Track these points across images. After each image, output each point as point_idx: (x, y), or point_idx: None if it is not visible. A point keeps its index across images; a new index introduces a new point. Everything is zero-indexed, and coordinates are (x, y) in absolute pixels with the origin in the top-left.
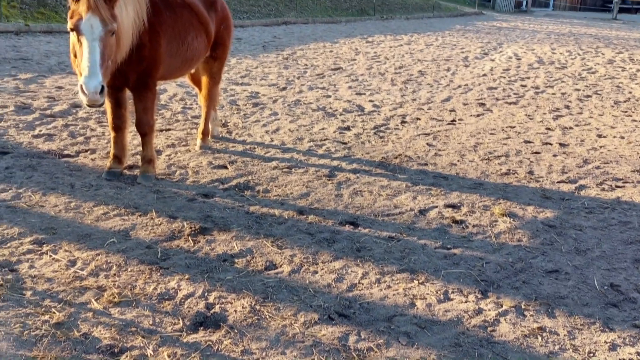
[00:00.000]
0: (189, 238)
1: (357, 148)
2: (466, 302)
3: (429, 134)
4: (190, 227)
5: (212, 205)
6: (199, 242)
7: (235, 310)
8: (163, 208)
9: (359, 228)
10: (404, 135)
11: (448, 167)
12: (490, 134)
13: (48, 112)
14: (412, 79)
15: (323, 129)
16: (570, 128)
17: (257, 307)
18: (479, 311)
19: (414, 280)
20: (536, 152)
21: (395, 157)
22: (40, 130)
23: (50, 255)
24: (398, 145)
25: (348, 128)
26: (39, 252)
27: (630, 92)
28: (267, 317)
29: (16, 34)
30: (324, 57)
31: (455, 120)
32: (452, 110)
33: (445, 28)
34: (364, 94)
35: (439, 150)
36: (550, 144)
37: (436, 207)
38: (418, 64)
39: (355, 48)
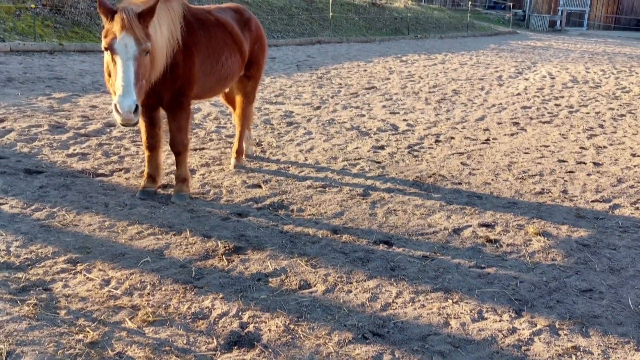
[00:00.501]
0: (223, 257)
1: (391, 167)
2: (500, 321)
3: (463, 153)
4: (225, 247)
5: (246, 225)
6: (233, 261)
7: (270, 330)
8: (197, 227)
9: (393, 247)
10: (437, 155)
11: (482, 186)
12: (524, 153)
13: (82, 131)
14: (446, 98)
15: (357, 148)
16: (604, 147)
17: (291, 326)
18: (513, 330)
19: (448, 300)
20: (570, 172)
21: (429, 177)
22: (74, 150)
23: (85, 275)
24: (432, 164)
25: (382, 147)
26: (73, 271)
27: None
28: (301, 336)
29: (50, 53)
30: (358, 76)
31: (489, 140)
32: (486, 130)
33: (480, 47)
34: (398, 113)
35: (473, 169)
36: (584, 163)
37: (470, 226)
38: (452, 83)
39: (389, 67)
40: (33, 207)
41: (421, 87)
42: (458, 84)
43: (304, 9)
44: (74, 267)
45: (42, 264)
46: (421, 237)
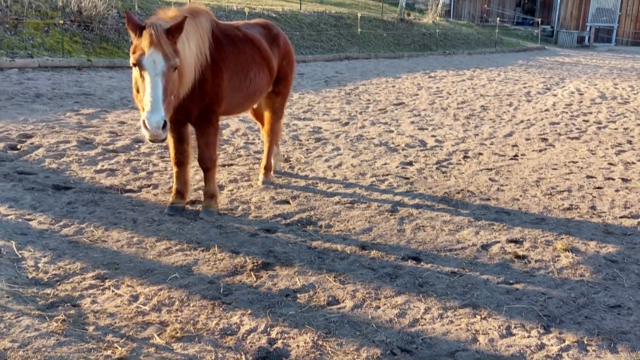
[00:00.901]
0: (252, 273)
1: (419, 183)
2: (528, 337)
3: (491, 169)
4: (253, 263)
5: (275, 241)
6: (262, 277)
7: (298, 346)
8: (225, 243)
9: (422, 263)
10: (466, 171)
11: (510, 202)
12: (553, 169)
13: (110, 147)
14: (474, 114)
15: (385, 164)
16: (633, 163)
17: (320, 342)
18: (542, 346)
19: (477, 315)
20: (598, 187)
21: (458, 192)
22: (102, 166)
23: (113, 291)
24: (460, 180)
25: (410, 163)
26: (102, 287)
27: None
28: (330, 352)
29: (78, 69)
30: (386, 92)
31: (517, 155)
32: (515, 146)
33: (508, 63)
34: (426, 129)
35: (502, 185)
36: (613, 179)
37: (498, 242)
38: (480, 99)
39: (417, 83)
40: (61, 223)
41: (449, 103)
42: (486, 99)
43: (333, 25)
44: (102, 283)
45: (71, 280)
46: (449, 253)
